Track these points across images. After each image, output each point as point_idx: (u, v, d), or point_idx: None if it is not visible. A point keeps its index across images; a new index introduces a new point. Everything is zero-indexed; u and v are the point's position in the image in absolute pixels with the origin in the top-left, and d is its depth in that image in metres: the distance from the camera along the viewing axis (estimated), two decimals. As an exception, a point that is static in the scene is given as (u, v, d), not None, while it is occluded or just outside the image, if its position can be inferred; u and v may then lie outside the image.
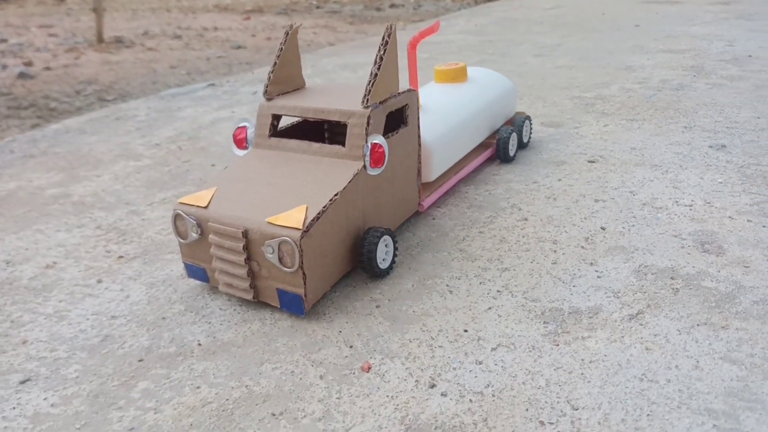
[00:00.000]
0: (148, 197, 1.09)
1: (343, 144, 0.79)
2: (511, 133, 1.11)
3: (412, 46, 0.88)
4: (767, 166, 1.04)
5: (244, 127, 0.85)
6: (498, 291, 0.74)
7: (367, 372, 0.62)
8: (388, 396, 0.59)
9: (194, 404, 0.59)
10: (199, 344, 0.68)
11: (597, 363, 0.61)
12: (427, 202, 0.93)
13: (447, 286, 0.76)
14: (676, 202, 0.94)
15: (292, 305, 0.70)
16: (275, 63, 0.85)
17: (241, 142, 0.85)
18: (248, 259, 0.70)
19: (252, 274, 0.71)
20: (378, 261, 0.76)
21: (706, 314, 0.68)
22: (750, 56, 1.84)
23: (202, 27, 3.43)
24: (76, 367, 0.65)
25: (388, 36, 0.78)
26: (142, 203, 1.06)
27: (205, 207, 0.73)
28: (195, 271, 0.77)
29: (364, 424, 0.56)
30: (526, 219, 0.92)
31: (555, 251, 0.82)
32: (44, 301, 0.78)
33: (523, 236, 0.87)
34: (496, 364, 0.62)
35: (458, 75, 1.13)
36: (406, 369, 0.62)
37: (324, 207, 0.70)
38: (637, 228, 0.87)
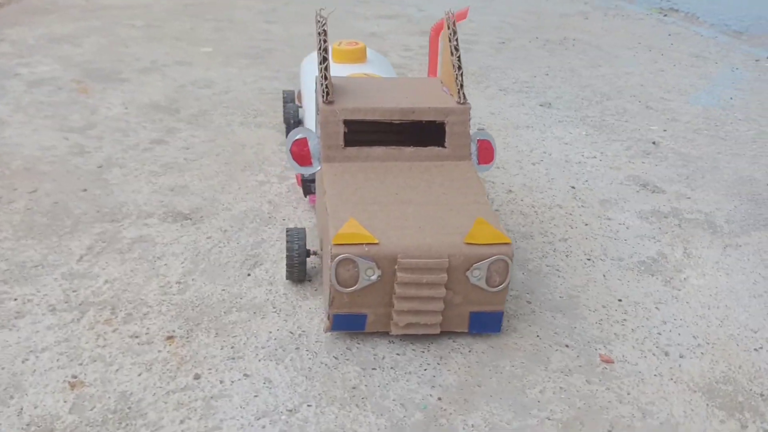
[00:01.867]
0: (58, 251, 0.77)
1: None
2: (423, 111, 1.14)
3: (436, 32, 0.84)
4: (597, 117, 1.32)
5: (305, 138, 0.70)
6: (588, 259, 0.82)
7: (612, 363, 0.64)
8: (655, 375, 0.63)
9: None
10: (439, 399, 0.58)
11: (720, 294, 0.76)
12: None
13: (547, 266, 0.80)
14: (582, 155, 1.14)
15: (487, 325, 0.65)
16: (325, 59, 0.71)
17: (304, 158, 0.70)
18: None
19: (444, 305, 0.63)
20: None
21: (721, 239, 0.89)
22: (453, 22, 2.17)
23: None
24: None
25: (454, 24, 0.75)
26: (68, 261, 0.75)
27: (377, 243, 0.60)
28: (349, 321, 0.63)
29: (675, 407, 0.59)
30: (510, 190, 0.99)
31: (572, 214, 0.93)
32: (157, 428, 0.53)
33: (532, 207, 0.94)
34: (676, 320, 0.72)
35: (361, 55, 1.09)
36: (632, 347, 0.67)
37: (495, 215, 0.66)
38: (592, 182, 1.04)
